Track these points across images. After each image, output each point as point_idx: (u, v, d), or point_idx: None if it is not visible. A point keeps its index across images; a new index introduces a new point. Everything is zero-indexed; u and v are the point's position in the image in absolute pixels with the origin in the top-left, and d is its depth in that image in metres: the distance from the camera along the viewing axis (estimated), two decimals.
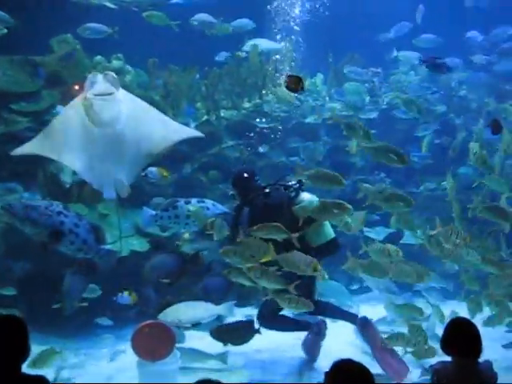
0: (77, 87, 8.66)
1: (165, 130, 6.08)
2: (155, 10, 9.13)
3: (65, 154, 5.83)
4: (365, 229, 8.68)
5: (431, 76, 10.95)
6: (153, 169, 6.90)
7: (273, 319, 6.37)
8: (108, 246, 6.73)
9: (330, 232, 6.23)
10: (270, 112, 9.91)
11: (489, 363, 3.81)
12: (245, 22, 10.02)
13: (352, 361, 2.98)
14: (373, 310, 7.74)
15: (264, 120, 9.81)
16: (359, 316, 6.39)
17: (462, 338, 3.62)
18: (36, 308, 6.90)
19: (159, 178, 6.88)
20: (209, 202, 7.04)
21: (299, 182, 6.16)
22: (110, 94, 5.70)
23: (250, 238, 5.44)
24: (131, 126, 5.85)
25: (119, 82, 5.85)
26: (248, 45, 10.04)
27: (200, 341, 6.83)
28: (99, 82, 5.68)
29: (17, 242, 7.21)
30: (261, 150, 9.08)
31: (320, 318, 6.47)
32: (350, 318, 6.45)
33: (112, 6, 9.82)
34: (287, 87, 5.93)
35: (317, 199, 6.05)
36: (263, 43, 10.09)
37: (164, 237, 7.99)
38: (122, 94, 5.90)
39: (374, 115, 10.32)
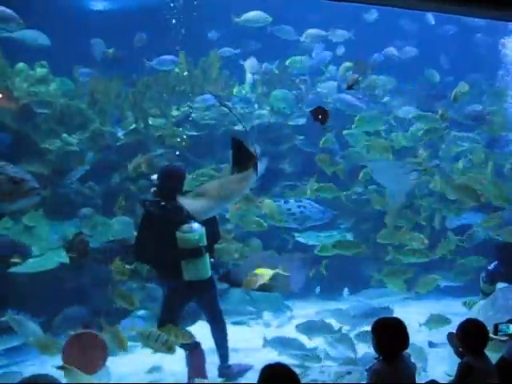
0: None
1: None
2: None
3: None
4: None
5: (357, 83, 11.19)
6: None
7: None
8: None
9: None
10: (198, 120, 9.91)
11: (407, 354, 3.77)
12: None
13: (279, 364, 3.06)
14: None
15: (193, 128, 9.82)
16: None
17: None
18: None
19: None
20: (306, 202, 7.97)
21: None
22: None
23: None
24: None
25: None
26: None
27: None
28: None
29: None
30: (177, 152, 8.84)
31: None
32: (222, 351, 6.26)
33: None
34: (314, 119, 6.08)
35: (200, 233, 5.85)
36: None
37: None
38: None
39: (302, 121, 10.49)
